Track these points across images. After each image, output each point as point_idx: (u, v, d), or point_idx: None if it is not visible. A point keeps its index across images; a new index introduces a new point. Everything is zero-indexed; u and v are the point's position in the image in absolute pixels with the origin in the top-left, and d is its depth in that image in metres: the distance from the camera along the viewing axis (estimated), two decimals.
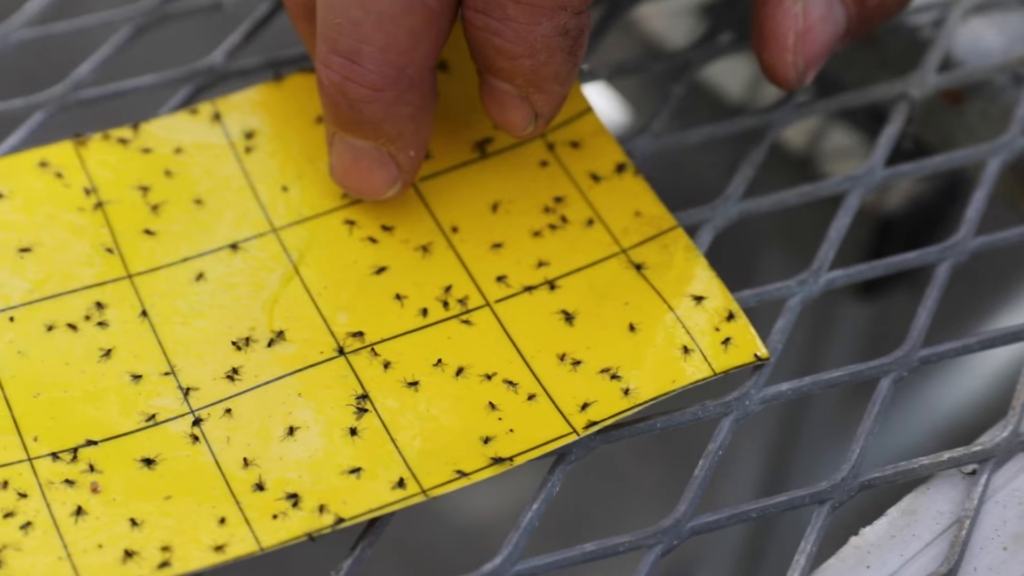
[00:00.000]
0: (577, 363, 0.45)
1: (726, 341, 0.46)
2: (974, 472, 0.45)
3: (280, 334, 0.46)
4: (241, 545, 0.41)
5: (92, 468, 0.42)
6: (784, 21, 0.48)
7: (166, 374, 0.45)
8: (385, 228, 0.48)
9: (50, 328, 0.45)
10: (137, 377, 0.44)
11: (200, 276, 0.47)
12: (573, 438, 0.44)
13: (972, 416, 0.87)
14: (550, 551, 0.42)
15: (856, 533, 0.44)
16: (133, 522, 0.41)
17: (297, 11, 0.47)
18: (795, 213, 0.54)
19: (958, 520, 0.44)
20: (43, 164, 0.48)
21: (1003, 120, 0.54)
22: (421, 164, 0.47)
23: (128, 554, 0.41)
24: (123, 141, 0.49)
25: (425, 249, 0.48)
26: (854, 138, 0.67)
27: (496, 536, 0.44)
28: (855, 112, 0.65)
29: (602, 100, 0.74)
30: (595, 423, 0.44)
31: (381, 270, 0.47)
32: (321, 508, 0.42)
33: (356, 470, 0.43)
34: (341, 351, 0.45)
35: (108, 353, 0.45)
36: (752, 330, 0.46)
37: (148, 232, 0.47)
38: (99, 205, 0.48)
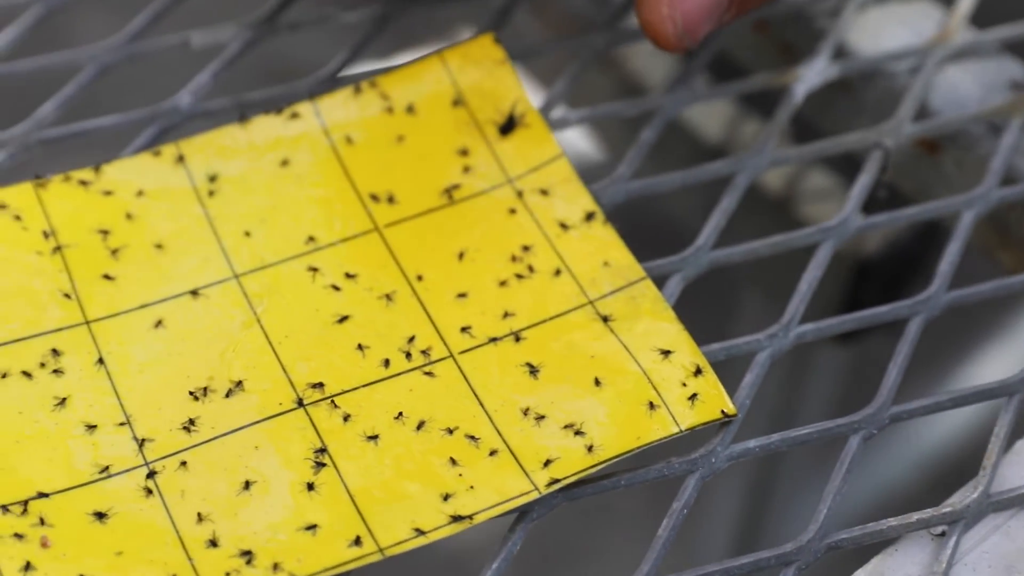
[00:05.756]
0: (541, 418, 0.44)
1: (693, 397, 0.45)
2: (943, 534, 0.44)
3: (239, 384, 0.45)
4: None
5: (42, 521, 0.41)
6: None
7: (121, 424, 0.44)
8: (349, 276, 0.47)
9: (4, 376, 0.44)
10: (92, 427, 0.43)
11: (159, 323, 0.46)
12: (535, 496, 0.43)
13: (944, 473, 0.86)
14: None
15: None
16: None
17: None
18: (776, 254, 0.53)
19: None
20: (2, 207, 0.47)
21: (979, 170, 0.54)
22: None
23: None
24: (84, 183, 0.48)
25: (389, 298, 0.47)
26: (832, 180, 0.67)
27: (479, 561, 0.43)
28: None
29: (580, 141, 0.73)
30: (557, 480, 0.43)
31: (344, 319, 0.46)
32: (275, 566, 0.41)
33: (312, 527, 0.42)
34: (300, 403, 0.44)
35: (63, 402, 0.44)
36: (720, 386, 0.45)
37: (107, 277, 0.47)
38: (58, 249, 0.47)
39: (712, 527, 0.86)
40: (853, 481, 0.45)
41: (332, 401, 0.44)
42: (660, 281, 0.48)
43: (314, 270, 0.47)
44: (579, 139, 0.72)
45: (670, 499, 0.44)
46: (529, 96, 0.52)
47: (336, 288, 0.47)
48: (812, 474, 0.82)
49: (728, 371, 0.47)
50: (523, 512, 0.43)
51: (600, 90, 0.68)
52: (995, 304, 0.56)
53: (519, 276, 0.48)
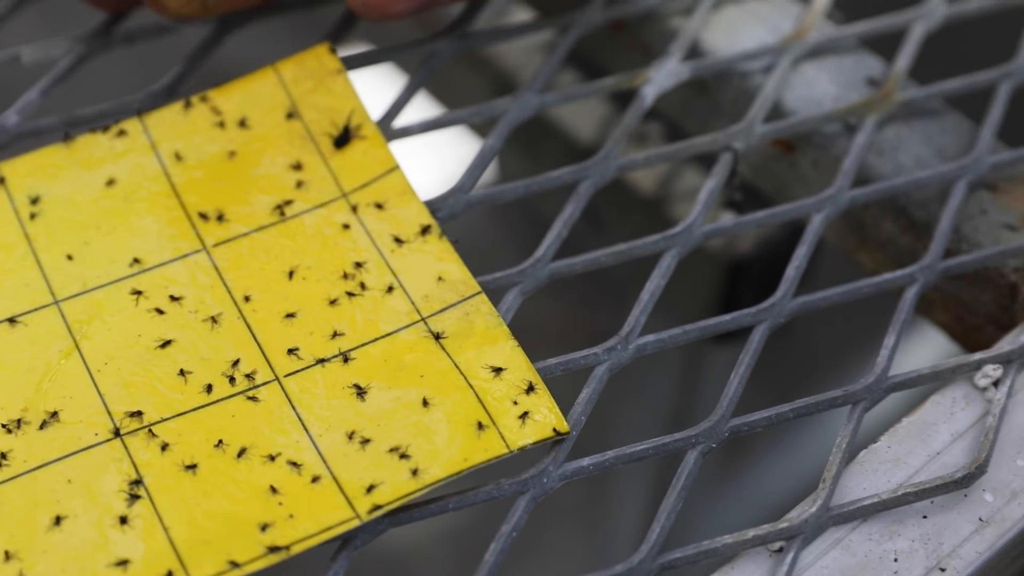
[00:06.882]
0: (366, 441, 0.43)
1: (524, 415, 0.44)
2: (781, 550, 0.43)
3: (54, 415, 0.43)
4: None
5: None
6: None
7: None
8: (174, 298, 0.46)
9: None
10: None
11: None
12: (355, 523, 0.42)
13: (792, 491, 0.84)
14: None
15: None
16: None
17: None
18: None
19: None
20: None
21: (835, 170, 0.52)
22: None
23: None
24: None
25: (215, 320, 0.45)
26: (704, 179, 0.65)
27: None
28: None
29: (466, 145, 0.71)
30: (380, 507, 0.42)
31: (166, 343, 0.45)
32: None
33: (123, 562, 0.41)
34: (117, 432, 0.43)
35: None
36: (552, 403, 0.44)
37: None
38: None
39: (623, 534, 0.85)
40: (722, 496, 0.44)
41: (150, 430, 0.43)
42: (498, 295, 0.47)
43: (138, 293, 0.46)
44: (465, 143, 0.71)
45: (609, 491, 0.43)
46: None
47: (160, 312, 0.46)
48: (715, 477, 0.81)
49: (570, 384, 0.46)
50: (347, 539, 0.42)
51: (473, 90, 0.67)
52: (877, 306, 0.54)
53: (350, 294, 0.46)
